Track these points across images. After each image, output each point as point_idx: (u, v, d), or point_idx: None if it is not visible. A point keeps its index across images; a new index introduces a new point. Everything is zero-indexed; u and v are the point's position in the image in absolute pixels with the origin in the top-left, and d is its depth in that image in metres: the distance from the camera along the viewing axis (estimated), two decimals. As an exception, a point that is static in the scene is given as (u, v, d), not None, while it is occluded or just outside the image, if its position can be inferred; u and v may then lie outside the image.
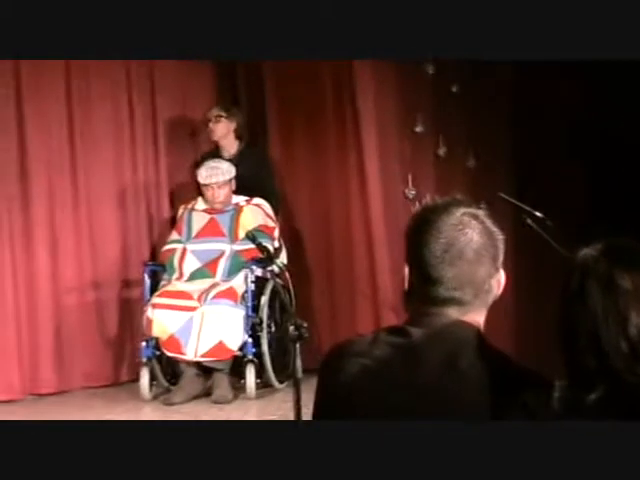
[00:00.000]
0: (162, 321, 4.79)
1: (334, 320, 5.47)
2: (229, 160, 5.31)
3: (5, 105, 5.11)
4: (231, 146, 5.44)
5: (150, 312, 4.83)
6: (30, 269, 5.16)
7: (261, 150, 5.63)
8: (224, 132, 5.41)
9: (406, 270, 1.56)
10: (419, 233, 1.54)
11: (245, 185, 5.31)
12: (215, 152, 5.46)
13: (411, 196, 5.26)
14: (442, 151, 5.29)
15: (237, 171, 5.25)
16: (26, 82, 5.16)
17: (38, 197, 5.19)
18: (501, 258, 1.54)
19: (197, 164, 5.51)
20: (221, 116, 5.39)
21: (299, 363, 4.56)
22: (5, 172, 5.08)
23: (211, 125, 5.42)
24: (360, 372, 1.51)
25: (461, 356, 1.47)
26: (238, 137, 5.46)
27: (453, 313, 1.51)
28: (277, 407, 4.66)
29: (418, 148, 5.28)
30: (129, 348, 5.54)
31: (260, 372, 4.91)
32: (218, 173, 5.10)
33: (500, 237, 1.54)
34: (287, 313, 4.51)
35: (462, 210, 1.53)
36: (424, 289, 1.53)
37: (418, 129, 5.23)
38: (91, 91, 5.45)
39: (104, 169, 5.49)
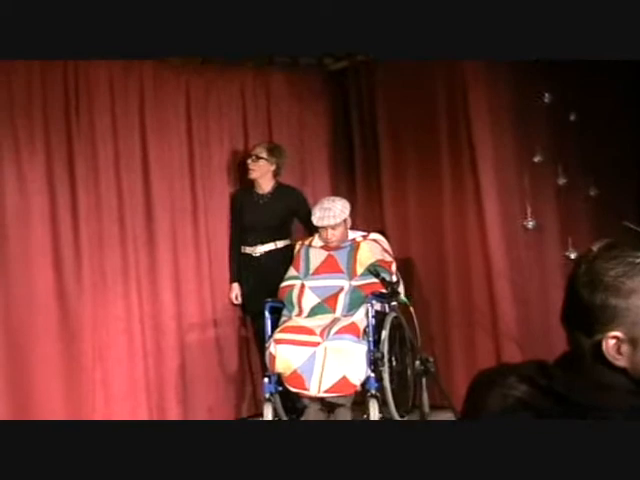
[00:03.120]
0: (285, 357, 4.82)
1: (450, 353, 5.42)
2: (263, 196, 5.41)
3: (132, 150, 5.31)
4: (267, 184, 5.49)
5: (273, 348, 4.87)
6: (156, 308, 5.31)
7: (295, 189, 5.62)
8: (262, 172, 5.45)
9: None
10: (567, 288, 1.54)
11: (283, 221, 5.44)
12: (250, 188, 5.52)
13: (531, 227, 5.18)
14: (562, 181, 5.20)
15: (274, 208, 5.38)
16: (150, 127, 5.36)
17: (162, 239, 5.36)
18: None
19: (232, 198, 5.58)
20: (261, 157, 5.44)
21: (426, 398, 4.54)
22: (133, 215, 5.27)
23: (250, 163, 5.46)
24: (509, 405, 1.50)
25: (610, 404, 1.44)
26: (275, 176, 5.50)
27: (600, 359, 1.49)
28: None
29: (537, 178, 5.20)
30: (248, 384, 5.61)
31: (381, 406, 4.88)
32: (330, 215, 5.14)
33: None
34: (412, 348, 4.48)
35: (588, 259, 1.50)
36: (576, 331, 1.51)
37: (536, 159, 5.16)
38: (210, 132, 5.61)
39: (223, 209, 5.62)
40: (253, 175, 5.46)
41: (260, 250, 5.45)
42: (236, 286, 5.54)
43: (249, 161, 5.46)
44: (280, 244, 5.47)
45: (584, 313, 1.47)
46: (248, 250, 5.49)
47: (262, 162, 5.43)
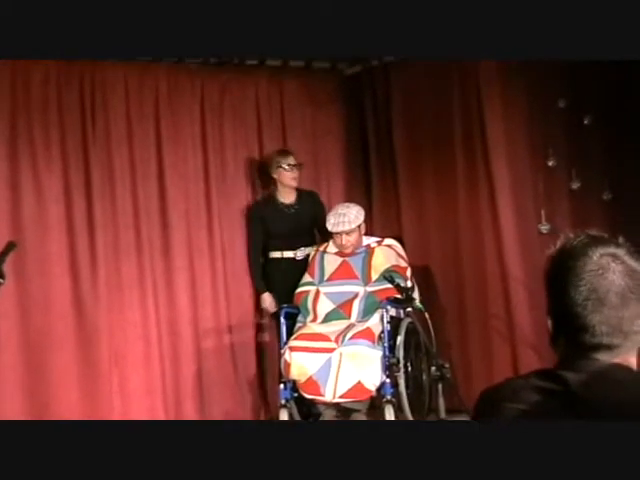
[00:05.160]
0: (301, 364, 4.83)
1: (467, 359, 5.42)
2: (289, 206, 5.42)
3: (147, 156, 5.34)
4: (292, 193, 5.49)
5: (288, 355, 4.88)
6: (172, 314, 5.34)
7: (314, 192, 5.64)
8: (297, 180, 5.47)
9: (548, 315, 1.55)
10: (558, 280, 1.52)
11: (309, 226, 5.47)
12: (271, 199, 5.51)
13: (545, 231, 5.17)
14: (576, 185, 5.18)
15: (302, 215, 5.42)
16: (165, 134, 5.40)
17: (178, 245, 5.38)
18: None
19: (251, 211, 5.55)
20: (300, 164, 5.44)
21: (442, 403, 4.54)
22: (148, 222, 5.30)
23: (294, 170, 5.41)
24: (518, 418, 1.49)
25: (627, 400, 1.44)
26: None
27: (603, 357, 1.49)
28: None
29: (551, 182, 5.19)
30: (264, 389, 5.63)
31: (396, 412, 4.89)
32: (345, 221, 5.15)
33: None
34: (427, 353, 4.48)
35: (600, 251, 1.50)
36: (570, 335, 1.51)
37: (550, 163, 5.15)
38: (224, 138, 5.64)
39: (238, 214, 5.64)
40: (295, 183, 5.46)
41: (302, 253, 5.44)
42: (267, 296, 5.50)
43: (294, 169, 5.43)
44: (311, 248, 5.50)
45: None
46: (289, 254, 5.45)
47: (297, 170, 5.44)
